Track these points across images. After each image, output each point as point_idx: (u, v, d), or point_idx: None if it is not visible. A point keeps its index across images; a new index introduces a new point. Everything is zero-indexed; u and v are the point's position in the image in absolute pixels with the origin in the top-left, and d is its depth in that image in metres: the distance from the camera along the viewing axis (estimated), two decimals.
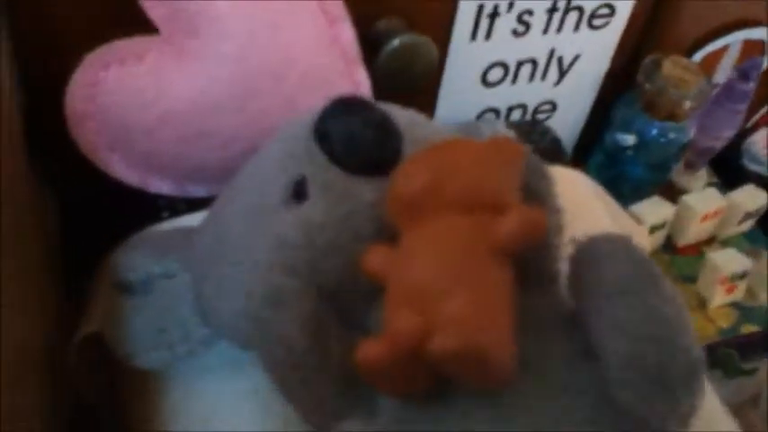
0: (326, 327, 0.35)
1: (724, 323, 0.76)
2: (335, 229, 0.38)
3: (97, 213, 0.58)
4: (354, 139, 0.39)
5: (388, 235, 0.36)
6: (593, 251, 0.35)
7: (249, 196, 0.43)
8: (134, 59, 0.49)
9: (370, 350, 0.30)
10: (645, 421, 0.33)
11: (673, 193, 0.84)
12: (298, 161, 0.41)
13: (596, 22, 0.71)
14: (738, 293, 0.77)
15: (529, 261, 0.37)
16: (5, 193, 0.40)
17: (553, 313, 0.36)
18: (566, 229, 0.41)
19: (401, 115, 0.43)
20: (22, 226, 0.45)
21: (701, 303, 0.77)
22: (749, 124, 0.95)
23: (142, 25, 0.49)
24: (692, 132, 0.79)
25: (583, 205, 0.62)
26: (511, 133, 0.50)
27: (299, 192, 0.40)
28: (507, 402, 0.33)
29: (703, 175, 0.88)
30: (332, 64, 0.54)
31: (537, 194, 0.38)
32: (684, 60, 0.75)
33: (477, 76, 0.71)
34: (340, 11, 0.53)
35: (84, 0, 0.51)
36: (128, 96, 0.50)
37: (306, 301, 0.35)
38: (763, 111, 0.94)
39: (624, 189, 0.82)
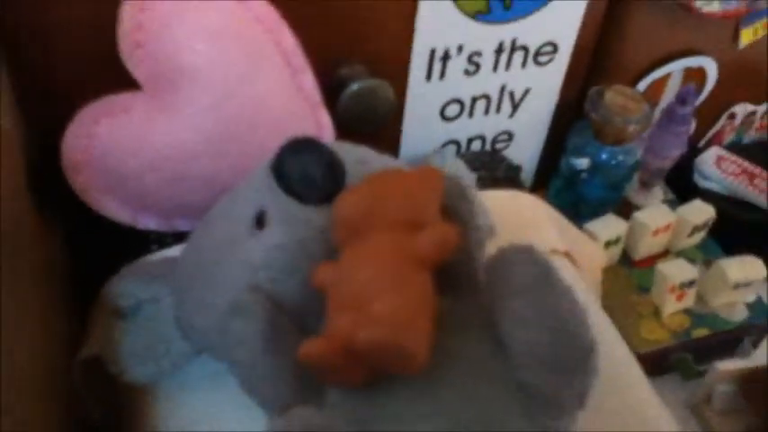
0: (283, 333, 0.42)
1: (677, 328, 0.82)
2: (292, 252, 0.45)
3: (97, 246, 0.65)
4: (307, 176, 0.46)
5: (336, 254, 0.43)
6: (502, 259, 0.42)
7: (220, 227, 0.50)
8: (122, 113, 0.57)
9: (311, 347, 0.37)
10: (547, 400, 0.39)
11: (630, 211, 0.90)
12: (260, 195, 0.48)
13: (541, 59, 0.78)
14: (689, 300, 0.83)
15: (454, 271, 0.44)
16: (9, 232, 0.47)
17: (475, 315, 0.43)
18: (487, 242, 0.48)
19: (350, 151, 0.50)
20: (28, 260, 0.52)
21: (656, 311, 0.83)
22: (701, 143, 1.02)
23: (130, 81, 0.56)
24: (639, 153, 0.86)
25: (533, 226, 0.69)
26: (460, 162, 0.56)
27: (260, 221, 0.47)
28: (433, 389, 0.39)
29: (659, 192, 0.95)
30: (298, 110, 0.61)
31: (458, 214, 0.45)
32: (626, 89, 0.82)
33: (436, 112, 0.79)
34: (302, 62, 0.61)
35: (79, 61, 0.59)
36: (117, 146, 0.57)
37: (263, 312, 0.42)
38: (713, 130, 1.01)
39: (583, 210, 0.89)
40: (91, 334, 0.57)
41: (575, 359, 0.39)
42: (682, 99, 0.82)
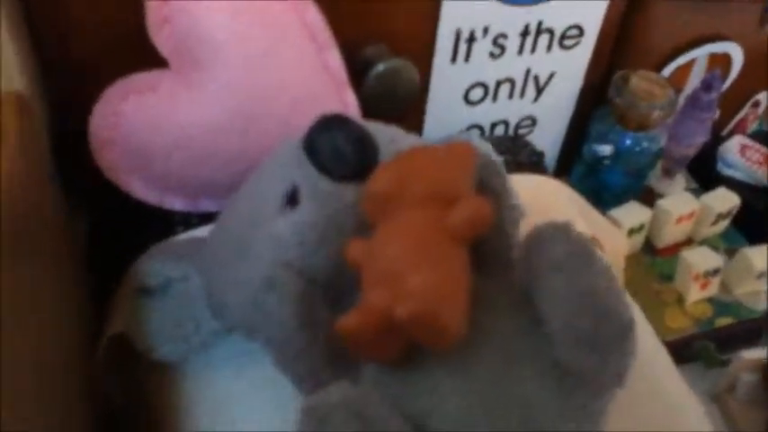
0: (316, 309, 0.42)
1: (700, 317, 0.82)
2: (323, 228, 0.45)
3: (123, 230, 0.65)
4: (338, 151, 0.46)
5: (367, 230, 0.43)
6: (538, 236, 0.41)
7: (250, 205, 0.49)
8: (149, 91, 0.57)
9: (348, 321, 0.37)
10: (584, 379, 0.39)
11: (653, 199, 0.90)
12: (290, 172, 0.47)
13: (567, 42, 0.78)
14: (713, 289, 0.83)
15: (489, 249, 0.44)
16: (33, 218, 0.47)
17: (509, 292, 0.42)
18: (520, 221, 0.47)
19: (381, 130, 0.49)
20: (50, 242, 0.52)
21: (679, 299, 0.83)
22: (724, 132, 1.01)
23: (156, 59, 0.56)
24: (663, 141, 0.86)
25: (556, 210, 0.68)
26: (487, 146, 0.56)
27: (292, 198, 0.46)
28: (467, 366, 0.39)
29: (681, 180, 0.94)
30: (322, 88, 0.61)
31: (492, 190, 0.44)
32: (652, 74, 0.81)
33: (460, 96, 0.78)
34: (328, 39, 0.60)
35: (106, 38, 0.58)
36: (144, 124, 0.57)
37: (296, 288, 0.41)
38: (736, 119, 1.00)
39: (605, 196, 0.89)
40: (116, 313, 0.57)
41: (612, 337, 0.38)
42: (707, 85, 0.81)
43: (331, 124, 0.47)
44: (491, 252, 0.44)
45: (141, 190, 0.60)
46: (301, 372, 0.42)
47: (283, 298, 0.41)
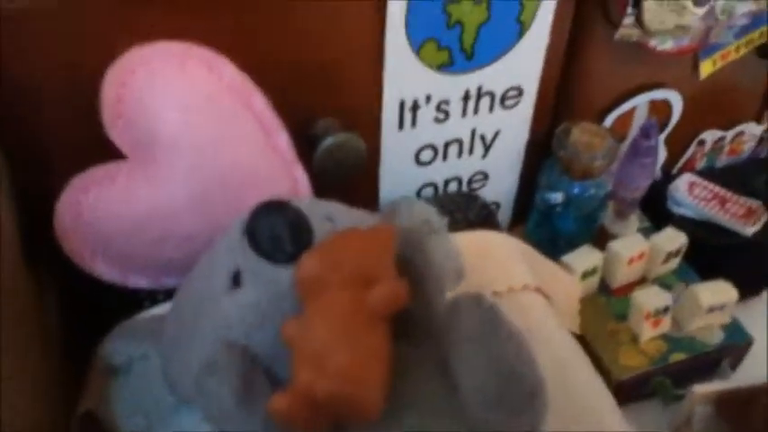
0: (257, 386, 0.46)
1: (655, 354, 0.85)
2: (264, 308, 0.49)
3: (92, 306, 0.69)
4: (275, 237, 0.50)
5: (302, 309, 0.47)
6: (454, 307, 0.45)
7: (198, 286, 0.54)
8: (107, 181, 0.61)
9: (277, 402, 0.41)
10: None
11: (607, 240, 0.94)
12: (234, 255, 0.52)
13: (508, 102, 0.82)
14: (665, 326, 0.86)
15: (412, 318, 0.48)
16: (8, 298, 0.51)
17: (429, 359, 0.46)
18: (452, 287, 0.52)
19: (318, 210, 0.54)
20: (23, 321, 0.56)
21: (634, 338, 0.86)
22: (674, 170, 1.06)
23: (115, 152, 0.61)
24: (609, 185, 0.90)
25: (501, 263, 0.73)
26: (430, 207, 0.60)
27: (235, 280, 0.51)
28: (389, 430, 0.43)
29: (634, 220, 0.98)
30: (272, 168, 0.65)
31: (413, 265, 0.49)
32: (591, 126, 0.86)
33: (411, 158, 0.83)
34: (275, 123, 0.65)
35: (68, 134, 0.63)
36: (104, 212, 0.61)
37: (236, 369, 0.45)
38: (684, 158, 1.05)
39: (560, 242, 0.93)
40: (86, 391, 0.61)
41: (521, 400, 0.42)
42: (645, 133, 0.85)
43: (269, 210, 0.51)
44: (415, 321, 0.48)
45: (104, 271, 0.64)
46: None
47: (222, 380, 0.45)
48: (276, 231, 0.50)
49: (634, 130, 0.95)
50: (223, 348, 0.47)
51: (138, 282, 0.65)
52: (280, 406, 0.40)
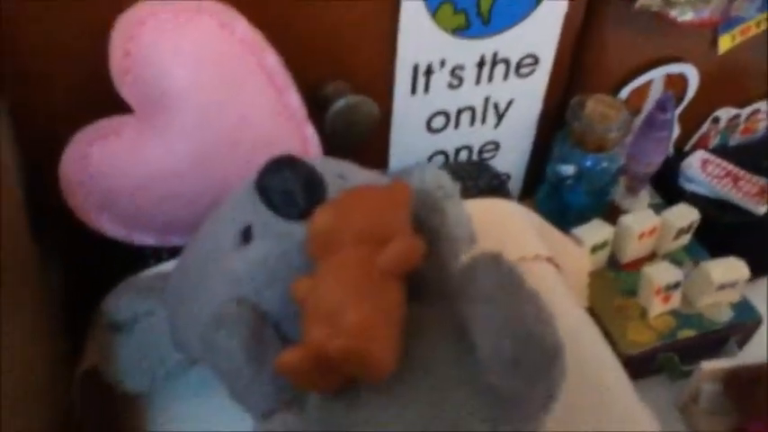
0: (266, 342, 0.45)
1: (664, 330, 0.84)
2: (274, 265, 0.48)
3: (98, 268, 0.68)
4: (287, 192, 0.49)
5: (314, 267, 0.46)
6: (471, 267, 0.44)
7: (208, 243, 0.52)
8: (114, 135, 0.60)
9: (287, 357, 0.39)
10: (513, 404, 0.41)
11: (617, 215, 0.92)
12: (245, 211, 0.50)
13: (523, 70, 0.81)
14: (674, 302, 0.85)
15: (427, 279, 0.47)
16: (8, 257, 0.50)
17: (444, 321, 0.45)
18: (465, 250, 0.50)
19: (330, 167, 0.52)
20: (26, 283, 0.55)
21: (643, 314, 0.85)
22: (687, 147, 1.04)
23: (121, 106, 0.59)
24: (622, 159, 0.89)
25: (513, 232, 0.71)
26: (443, 173, 0.58)
27: (246, 236, 0.49)
28: (402, 394, 0.42)
29: (645, 196, 0.97)
30: (282, 127, 0.64)
31: (428, 225, 0.47)
32: (607, 98, 0.84)
33: (422, 125, 0.81)
34: (286, 81, 0.63)
35: (73, 89, 0.62)
36: (110, 167, 0.60)
37: (246, 324, 0.44)
38: (697, 135, 1.03)
39: (569, 215, 0.91)
40: (89, 347, 0.59)
41: (539, 364, 0.41)
42: (661, 106, 0.84)
43: (281, 165, 0.50)
44: (429, 282, 0.47)
45: (109, 227, 0.63)
46: (252, 402, 0.44)
47: (233, 333, 0.43)
48: (288, 186, 0.48)
49: (649, 105, 0.93)
50: (232, 303, 0.46)
51: (144, 239, 0.64)
52: (291, 361, 0.39)
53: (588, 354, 0.64)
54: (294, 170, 0.49)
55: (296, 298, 0.44)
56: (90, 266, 0.68)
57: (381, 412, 0.41)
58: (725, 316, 0.86)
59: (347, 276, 0.41)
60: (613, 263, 0.91)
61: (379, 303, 0.40)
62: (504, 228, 0.71)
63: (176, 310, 0.53)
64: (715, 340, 0.87)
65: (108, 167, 0.60)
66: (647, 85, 0.91)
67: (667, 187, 0.99)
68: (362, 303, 0.40)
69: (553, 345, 0.41)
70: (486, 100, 0.82)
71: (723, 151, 1.03)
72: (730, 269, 0.85)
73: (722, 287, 0.85)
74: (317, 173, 0.50)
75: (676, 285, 0.84)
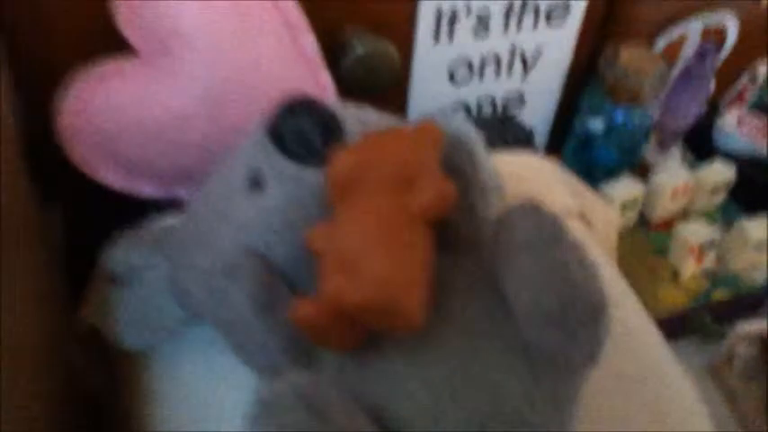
0: (277, 296, 0.41)
1: (696, 291, 0.80)
2: (288, 213, 0.44)
3: (100, 225, 0.64)
4: (302, 135, 0.45)
5: (332, 215, 0.42)
6: (508, 216, 0.40)
7: (216, 192, 0.49)
8: (117, 77, 0.56)
9: (302, 310, 0.36)
10: (554, 361, 0.38)
11: (647, 173, 0.88)
12: (255, 156, 0.46)
13: (553, 19, 0.76)
14: (709, 262, 0.81)
15: (457, 229, 0.43)
16: (5, 209, 0.47)
17: (476, 274, 0.41)
18: (496, 202, 0.46)
19: (350, 112, 0.48)
20: (25, 236, 0.52)
21: (674, 274, 0.81)
22: (721, 105, 0.99)
23: (124, 47, 0.55)
24: (655, 115, 0.84)
25: (542, 187, 0.67)
26: (468, 125, 0.54)
27: (256, 182, 0.46)
28: (429, 351, 0.38)
29: (676, 153, 0.92)
30: (297, 72, 0.60)
31: (460, 170, 0.43)
32: (642, 48, 0.80)
33: (445, 75, 0.77)
34: (302, 24, 0.59)
35: (73, 28, 0.58)
36: (112, 111, 0.56)
37: (255, 274, 0.40)
38: (733, 91, 0.98)
39: (597, 172, 0.87)
40: (88, 302, 0.56)
41: (584, 317, 0.37)
42: (701, 55, 0.79)
43: (296, 107, 0.46)
44: (460, 233, 0.43)
45: (111, 177, 0.59)
46: (258, 358, 0.41)
47: (241, 283, 0.40)
48: (304, 129, 0.44)
49: (683, 59, 0.88)
50: (242, 252, 0.42)
51: (148, 190, 0.60)
52: (306, 313, 0.36)
53: (624, 316, 0.60)
54: (311, 111, 0.45)
55: (311, 247, 0.40)
56: (94, 222, 0.65)
57: (405, 370, 0.38)
58: (762, 278, 0.82)
59: (370, 222, 0.37)
60: (643, 223, 0.87)
61: (407, 252, 0.37)
62: (533, 182, 0.67)
63: (180, 261, 0.49)
64: (751, 303, 0.83)
65: (110, 112, 0.56)
66: (683, 38, 0.86)
67: (700, 145, 0.94)
68: (387, 251, 0.36)
69: (599, 297, 0.38)
70: (513, 49, 0.77)
71: (760, 110, 0.97)
72: None
73: (759, 247, 0.81)
74: (335, 115, 0.46)
75: (711, 244, 0.80)
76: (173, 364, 0.52)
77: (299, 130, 0.45)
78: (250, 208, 0.45)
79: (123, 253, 0.52)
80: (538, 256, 0.37)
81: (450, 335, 0.38)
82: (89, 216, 0.64)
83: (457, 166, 0.44)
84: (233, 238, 0.44)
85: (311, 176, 0.44)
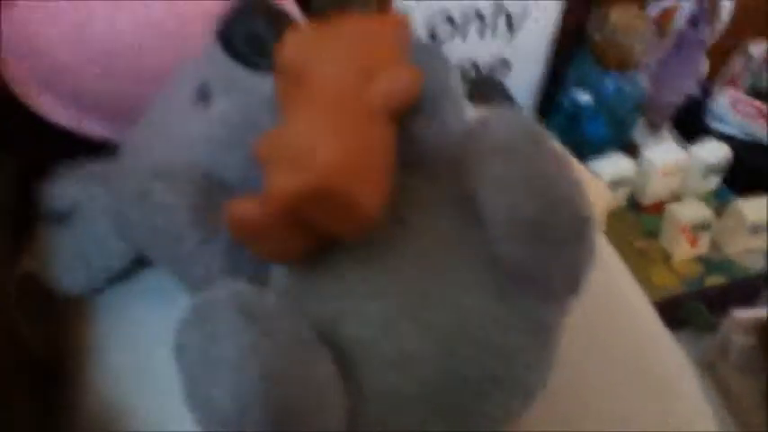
0: (215, 205, 0.35)
1: (689, 275, 0.75)
2: (236, 123, 0.39)
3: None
4: (255, 36, 0.40)
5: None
6: (483, 122, 0.34)
7: (159, 110, 0.43)
8: None
9: (239, 207, 0.30)
10: (529, 280, 0.32)
11: (637, 155, 0.83)
12: (202, 68, 0.41)
13: None
14: (702, 246, 0.76)
15: (425, 140, 0.37)
16: None
17: (443, 189, 0.36)
18: (464, 115, 0.41)
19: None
20: None
21: (666, 257, 0.76)
22: (714, 86, 0.95)
23: None
24: (645, 83, 0.79)
25: None
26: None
27: (203, 95, 0.40)
28: (388, 264, 0.32)
29: (666, 135, 0.88)
30: None
31: (430, 74, 0.37)
32: (632, 9, 0.75)
33: (423, 32, 0.72)
34: None
35: None
36: (54, 35, 0.50)
37: (191, 181, 0.35)
38: (726, 71, 0.94)
39: (586, 149, 0.82)
40: (28, 248, 0.50)
41: (568, 232, 0.31)
42: (694, 21, 0.75)
43: (248, 8, 0.40)
44: (428, 146, 0.37)
45: (56, 110, 0.53)
46: (196, 275, 0.35)
47: (175, 189, 0.34)
48: (255, 30, 0.39)
49: (676, 32, 0.84)
50: (181, 162, 0.37)
51: (95, 128, 0.55)
52: (243, 212, 0.30)
53: (620, 294, 0.55)
54: (263, 12, 0.40)
55: (259, 155, 0.35)
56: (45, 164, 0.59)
57: (360, 283, 0.32)
58: (758, 263, 0.77)
59: (323, 113, 0.32)
60: (634, 205, 0.82)
61: (362, 141, 0.31)
62: None
63: (123, 187, 0.43)
64: (746, 290, 0.78)
65: (52, 36, 0.50)
66: (674, 8, 0.82)
67: (692, 127, 0.90)
68: (340, 139, 0.30)
69: (584, 211, 0.32)
70: (498, 7, 0.72)
71: (755, 93, 0.93)
72: (765, 208, 0.76)
73: (755, 230, 0.76)
74: (288, 15, 0.41)
75: (705, 226, 0.75)
76: (117, 311, 0.46)
77: (251, 32, 0.40)
78: (194, 122, 0.39)
79: (62, 186, 0.46)
80: (513, 162, 0.32)
81: (410, 250, 0.33)
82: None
83: (425, 67, 0.38)
84: (176, 153, 0.39)
85: (262, 84, 0.39)
